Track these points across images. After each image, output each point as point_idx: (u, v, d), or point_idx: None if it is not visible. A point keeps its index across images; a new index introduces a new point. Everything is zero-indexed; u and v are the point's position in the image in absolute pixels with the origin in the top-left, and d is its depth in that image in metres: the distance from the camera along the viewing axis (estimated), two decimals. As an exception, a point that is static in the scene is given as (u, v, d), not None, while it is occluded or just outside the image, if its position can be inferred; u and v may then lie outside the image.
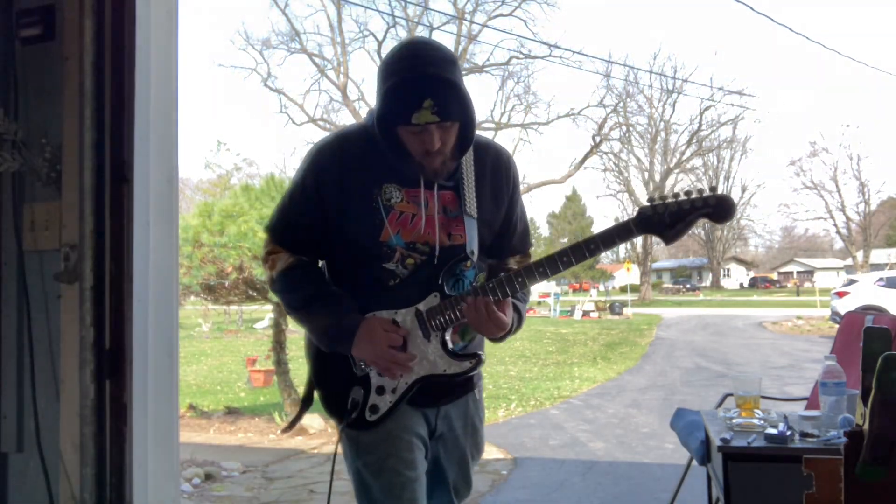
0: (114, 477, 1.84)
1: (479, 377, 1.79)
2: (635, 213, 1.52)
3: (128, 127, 1.89)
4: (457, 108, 1.53)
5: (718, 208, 1.47)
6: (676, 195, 1.49)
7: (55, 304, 1.92)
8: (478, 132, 1.68)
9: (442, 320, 1.57)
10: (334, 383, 1.65)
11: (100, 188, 1.87)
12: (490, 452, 5.33)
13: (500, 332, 1.60)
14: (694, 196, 1.48)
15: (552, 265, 1.55)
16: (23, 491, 1.96)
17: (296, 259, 1.66)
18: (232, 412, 7.14)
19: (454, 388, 1.71)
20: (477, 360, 1.61)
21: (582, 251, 1.53)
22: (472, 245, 1.62)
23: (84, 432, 1.80)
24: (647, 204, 1.50)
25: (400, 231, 1.59)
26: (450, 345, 1.61)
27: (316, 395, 1.73)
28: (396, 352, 1.56)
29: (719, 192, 1.47)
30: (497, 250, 1.74)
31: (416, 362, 1.59)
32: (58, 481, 1.87)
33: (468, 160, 1.66)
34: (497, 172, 1.71)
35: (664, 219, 1.48)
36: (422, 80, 1.48)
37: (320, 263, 1.74)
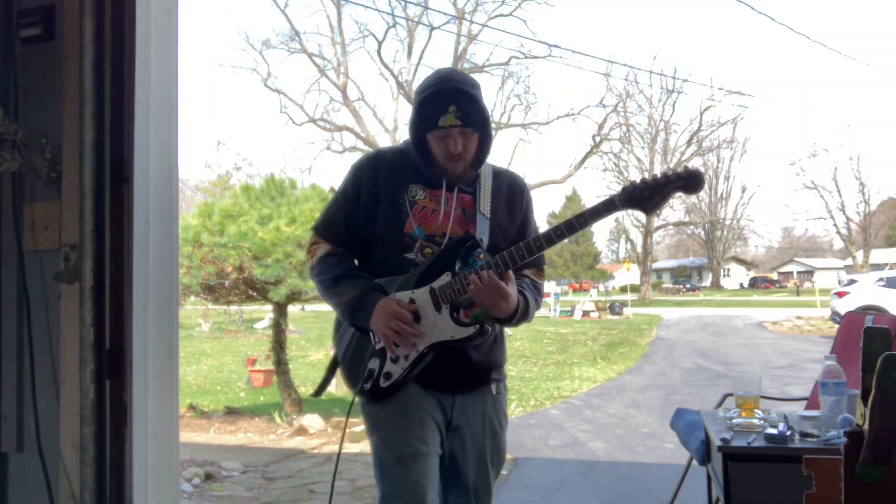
0: (114, 477, 1.84)
1: (501, 379, 1.95)
2: (619, 190, 1.73)
3: (128, 127, 1.89)
4: (477, 118, 1.82)
5: (690, 180, 1.69)
6: (655, 175, 1.73)
7: (55, 304, 1.92)
8: (496, 163, 1.99)
9: (450, 292, 1.77)
10: (355, 358, 1.87)
11: (100, 188, 1.87)
12: (490, 452, 5.33)
13: (505, 305, 1.74)
14: (669, 173, 1.71)
15: (547, 238, 1.74)
16: (23, 491, 1.96)
17: (333, 248, 1.93)
18: (232, 412, 7.14)
19: (468, 379, 1.87)
20: (480, 326, 1.77)
21: (573, 224, 1.73)
22: (483, 235, 1.83)
23: (84, 432, 1.80)
24: (629, 182, 1.73)
25: (422, 224, 1.85)
26: (459, 316, 1.79)
27: (339, 372, 1.94)
28: (404, 325, 1.75)
29: (691, 168, 1.71)
30: None
31: (427, 330, 1.77)
32: (58, 481, 1.87)
33: (487, 176, 1.92)
34: (512, 191, 1.97)
35: (643, 193, 1.70)
36: (449, 91, 1.80)
37: (356, 262, 1.97)
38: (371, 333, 1.83)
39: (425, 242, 1.84)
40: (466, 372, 1.86)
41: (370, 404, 1.86)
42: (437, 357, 1.79)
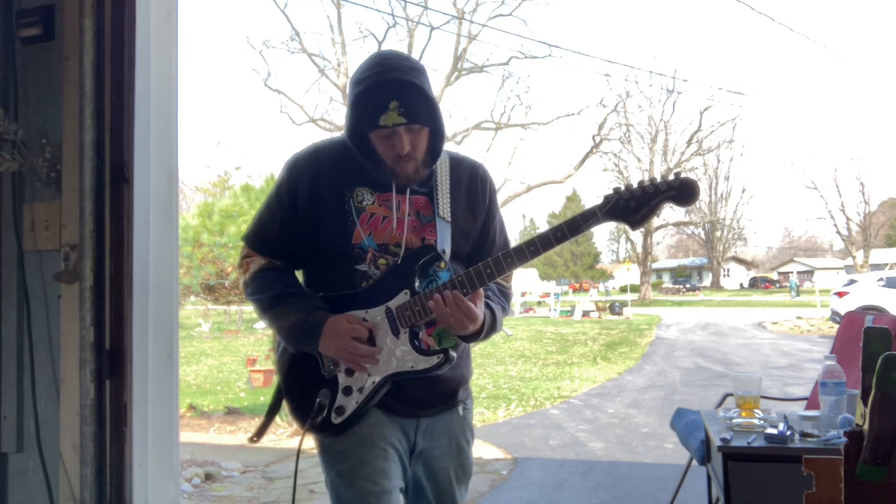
0: (114, 477, 1.84)
1: (468, 395, 1.77)
2: (601, 200, 1.53)
3: (128, 127, 1.89)
4: (424, 112, 1.56)
5: (682, 191, 1.48)
6: (642, 182, 1.51)
7: (55, 304, 1.92)
8: (455, 149, 1.74)
9: (410, 315, 1.57)
10: (303, 388, 1.63)
11: (100, 188, 1.87)
12: (490, 452, 5.33)
13: (471, 325, 1.56)
14: (658, 181, 1.50)
15: (520, 254, 1.54)
16: (23, 491, 1.96)
17: (268, 262, 1.68)
18: (232, 412, 7.15)
19: (435, 399, 1.68)
20: (445, 355, 1.58)
21: (549, 239, 1.53)
22: (444, 245, 1.63)
23: (84, 432, 1.80)
24: (612, 191, 1.52)
25: (372, 233, 1.61)
26: (420, 343, 1.60)
27: (284, 404, 1.70)
28: (360, 344, 1.55)
29: (682, 176, 1.49)
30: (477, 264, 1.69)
31: (383, 358, 1.58)
32: (58, 481, 1.87)
33: (444, 170, 1.69)
34: (473, 185, 1.73)
35: (629, 204, 1.50)
36: (388, 83, 1.53)
37: (298, 275, 1.74)
38: (320, 360, 1.60)
39: (377, 253, 1.60)
40: (434, 391, 1.66)
41: (320, 435, 1.63)
42: (399, 380, 1.59)
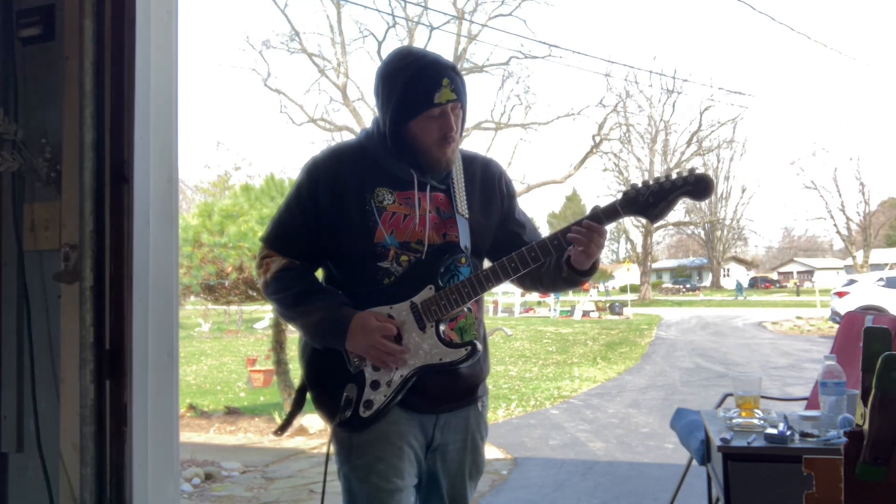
0: (114, 477, 1.84)
1: (485, 392, 1.79)
2: (620, 196, 1.59)
3: (128, 127, 1.88)
4: (463, 93, 1.61)
5: (698, 185, 1.55)
6: (658, 178, 1.58)
7: (55, 304, 1.92)
8: (463, 147, 1.78)
9: (436, 309, 1.59)
10: (328, 383, 1.65)
11: (100, 188, 1.87)
12: (490, 452, 5.33)
13: (598, 251, 1.62)
14: (674, 177, 1.57)
15: (543, 248, 1.60)
16: (23, 491, 1.96)
17: (289, 262, 1.69)
18: (232, 412, 7.15)
19: (455, 395, 1.70)
20: (472, 347, 1.61)
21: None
22: (465, 241, 1.66)
23: (84, 432, 1.80)
24: (630, 188, 1.59)
25: (393, 231, 1.63)
26: (445, 337, 1.62)
27: (309, 397, 1.72)
28: (390, 343, 1.57)
29: (697, 172, 1.56)
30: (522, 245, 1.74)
31: (411, 354, 1.60)
32: (58, 481, 1.87)
33: (458, 168, 1.71)
34: (488, 180, 1.77)
35: (647, 199, 1.56)
36: (435, 64, 1.59)
37: (319, 275, 1.76)
38: (346, 356, 1.62)
39: (399, 251, 1.62)
40: (455, 387, 1.68)
41: (346, 430, 1.64)
42: (423, 374, 1.61)
